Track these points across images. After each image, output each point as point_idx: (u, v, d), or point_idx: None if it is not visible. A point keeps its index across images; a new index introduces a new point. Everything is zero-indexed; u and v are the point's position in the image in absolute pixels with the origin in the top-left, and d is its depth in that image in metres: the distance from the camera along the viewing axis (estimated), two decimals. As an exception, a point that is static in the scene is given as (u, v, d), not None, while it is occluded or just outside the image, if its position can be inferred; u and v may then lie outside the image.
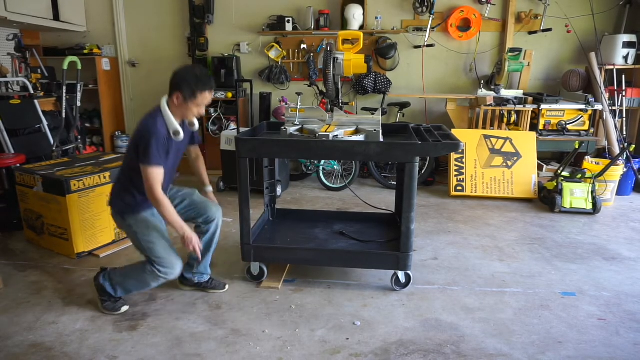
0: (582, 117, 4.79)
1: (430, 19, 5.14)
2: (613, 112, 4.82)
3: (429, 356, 2.14)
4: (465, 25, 5.23)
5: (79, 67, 4.53)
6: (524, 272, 3.01)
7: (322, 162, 4.91)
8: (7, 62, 4.79)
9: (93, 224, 3.23)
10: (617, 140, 4.76)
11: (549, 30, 5.04)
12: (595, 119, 4.83)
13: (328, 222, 3.23)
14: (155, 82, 5.68)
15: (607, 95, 4.83)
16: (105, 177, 3.27)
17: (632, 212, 4.23)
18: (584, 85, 5.02)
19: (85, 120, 5.71)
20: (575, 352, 2.17)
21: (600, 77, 4.84)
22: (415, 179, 2.51)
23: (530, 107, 4.75)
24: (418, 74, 5.46)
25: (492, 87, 5.07)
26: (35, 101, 4.36)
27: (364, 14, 5.19)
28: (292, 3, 5.42)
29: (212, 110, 5.35)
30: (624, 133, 4.92)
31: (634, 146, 4.61)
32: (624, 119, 4.90)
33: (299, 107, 2.89)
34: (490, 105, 4.78)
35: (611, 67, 4.81)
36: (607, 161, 4.26)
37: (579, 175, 4.22)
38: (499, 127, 4.82)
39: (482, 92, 5.01)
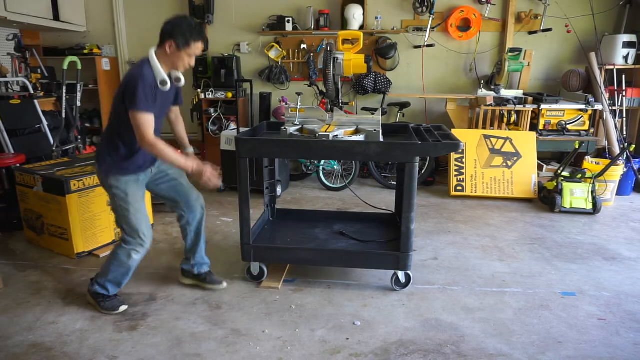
0: (582, 117, 4.79)
1: (430, 19, 5.14)
2: (613, 112, 4.82)
3: (429, 356, 2.14)
4: (465, 25, 5.23)
5: (79, 67, 4.53)
6: (524, 272, 3.01)
7: (322, 162, 4.91)
8: (7, 62, 4.79)
9: (93, 224, 3.23)
10: (617, 140, 4.75)
11: (549, 30, 5.04)
12: (596, 119, 4.83)
13: (328, 222, 3.23)
14: (155, 82, 5.67)
15: (607, 95, 4.83)
16: (105, 177, 3.26)
17: (632, 212, 4.23)
18: (584, 85, 5.02)
19: (85, 120, 5.71)
20: (575, 352, 2.17)
21: (600, 77, 4.84)
22: (415, 179, 2.51)
23: (530, 107, 4.75)
24: (418, 74, 5.46)
25: (492, 87, 5.07)
26: (35, 101, 4.36)
27: (364, 14, 5.19)
28: (292, 3, 5.42)
29: (212, 110, 5.35)
30: (624, 133, 4.91)
31: (634, 146, 4.61)
32: (624, 119, 4.90)
33: (299, 107, 2.89)
34: (490, 105, 4.78)
35: (611, 67, 4.81)
36: (607, 161, 4.26)
37: (579, 175, 4.22)
38: (499, 127, 4.82)
39: (482, 92, 5.01)
